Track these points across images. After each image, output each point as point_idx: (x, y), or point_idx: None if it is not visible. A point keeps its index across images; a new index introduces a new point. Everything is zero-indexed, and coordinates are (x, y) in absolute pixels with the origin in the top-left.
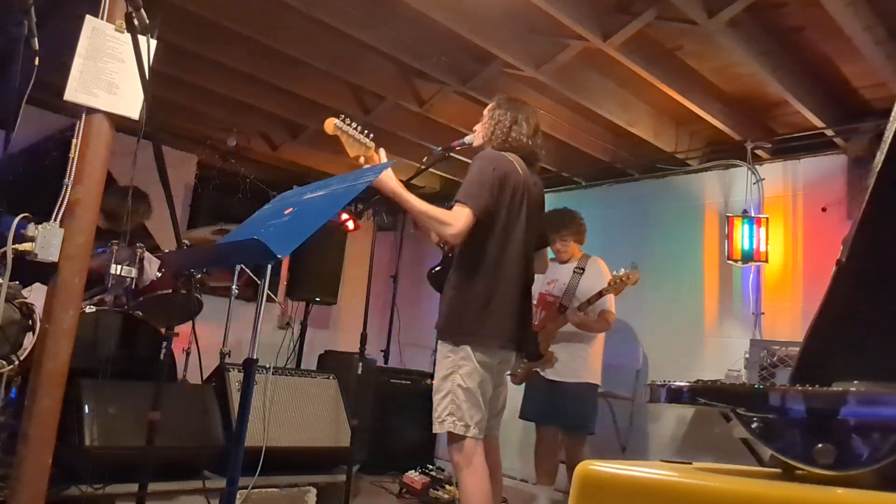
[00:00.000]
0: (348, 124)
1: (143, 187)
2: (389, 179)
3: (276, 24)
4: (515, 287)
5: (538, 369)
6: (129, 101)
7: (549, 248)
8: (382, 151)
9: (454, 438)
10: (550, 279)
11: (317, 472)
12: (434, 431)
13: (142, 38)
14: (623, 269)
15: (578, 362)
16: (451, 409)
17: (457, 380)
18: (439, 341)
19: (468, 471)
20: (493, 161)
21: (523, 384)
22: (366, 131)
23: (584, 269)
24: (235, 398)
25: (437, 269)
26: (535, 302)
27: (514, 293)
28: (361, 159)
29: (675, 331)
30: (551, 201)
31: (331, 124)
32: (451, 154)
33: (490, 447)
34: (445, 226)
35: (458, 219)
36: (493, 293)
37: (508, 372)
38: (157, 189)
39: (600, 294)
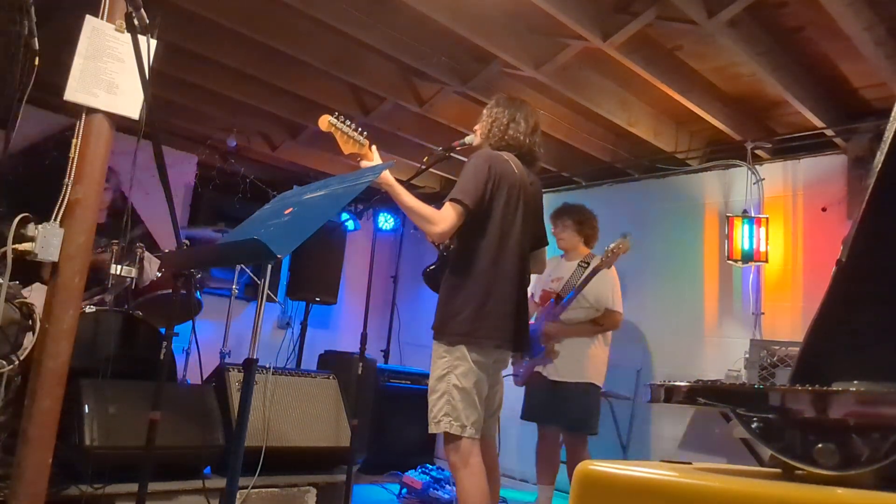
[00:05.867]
0: (342, 121)
1: (143, 187)
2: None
3: (276, 24)
4: (512, 287)
5: (540, 369)
6: (129, 101)
7: (546, 249)
8: (374, 149)
9: (451, 439)
10: (555, 276)
11: (317, 472)
12: (430, 432)
13: (142, 38)
14: (611, 244)
15: (581, 362)
16: (446, 410)
17: (452, 380)
18: (435, 341)
19: (465, 471)
20: (489, 160)
21: (524, 385)
22: (360, 129)
23: (588, 265)
24: (235, 398)
25: (433, 267)
26: (536, 300)
27: (510, 293)
28: (363, 163)
29: (675, 331)
30: (551, 201)
31: (325, 121)
32: (452, 154)
33: (487, 447)
34: (431, 224)
35: (444, 219)
36: (490, 293)
37: (512, 372)
38: (158, 189)
39: (594, 271)
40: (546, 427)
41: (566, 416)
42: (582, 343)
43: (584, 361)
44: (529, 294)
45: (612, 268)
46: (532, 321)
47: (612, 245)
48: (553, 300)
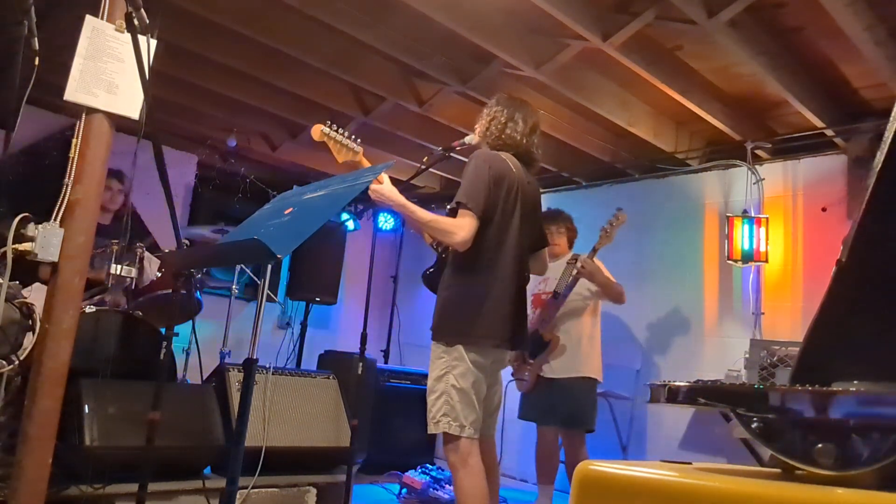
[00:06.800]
0: (335, 130)
1: (143, 187)
2: (393, 193)
3: (276, 24)
4: (510, 287)
5: (542, 371)
6: (129, 101)
7: (546, 250)
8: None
9: (449, 439)
10: (541, 279)
11: (317, 472)
12: (429, 432)
13: (142, 38)
14: (610, 219)
15: (573, 357)
16: (445, 410)
17: (450, 380)
18: (433, 342)
19: (464, 471)
20: (488, 160)
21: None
22: (353, 136)
23: (576, 261)
24: (235, 398)
25: (431, 270)
26: (531, 304)
27: (508, 293)
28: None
29: (675, 331)
30: (551, 201)
31: (318, 131)
32: (452, 154)
33: (486, 447)
34: (451, 234)
35: (462, 227)
36: (488, 293)
37: (515, 377)
38: (158, 189)
39: (594, 250)
40: (544, 427)
41: (562, 412)
42: (573, 338)
43: (576, 356)
44: None
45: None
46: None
47: (610, 220)
48: (552, 297)
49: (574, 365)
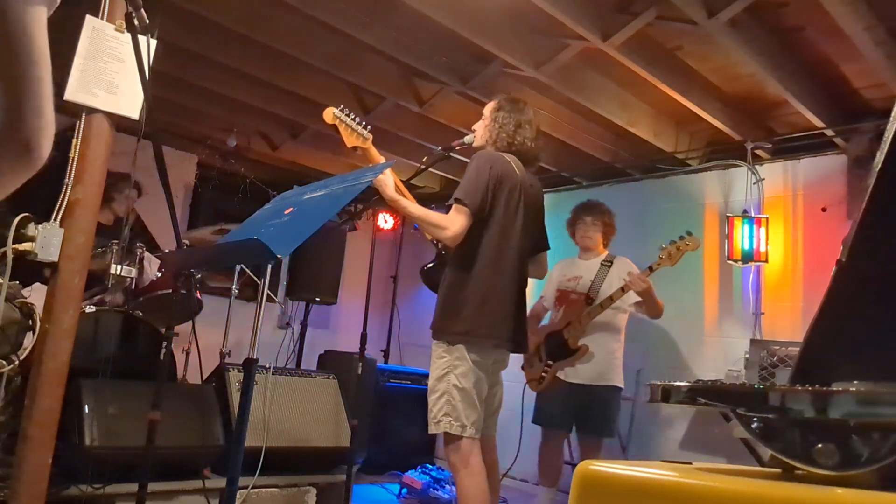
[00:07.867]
0: (346, 114)
1: (143, 187)
2: (387, 187)
3: (276, 24)
4: (511, 287)
5: (561, 374)
6: (129, 101)
7: (547, 253)
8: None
9: (450, 439)
10: (572, 276)
11: (317, 472)
12: (430, 432)
13: (142, 38)
14: (676, 241)
15: (606, 365)
16: (446, 410)
17: (452, 380)
18: (434, 341)
19: (465, 471)
20: (490, 160)
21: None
22: (363, 123)
23: (612, 263)
24: (235, 398)
25: (430, 266)
26: (546, 304)
27: (509, 293)
28: (359, 151)
29: (675, 331)
30: (551, 201)
31: (330, 113)
32: (451, 154)
33: (487, 447)
34: (442, 230)
35: (453, 222)
36: (489, 293)
37: (534, 377)
38: (158, 189)
39: (650, 269)
40: (553, 430)
41: (587, 420)
42: (605, 347)
43: (609, 364)
44: (538, 297)
45: (635, 267)
46: (545, 323)
47: (677, 242)
48: (586, 301)
49: (605, 373)
